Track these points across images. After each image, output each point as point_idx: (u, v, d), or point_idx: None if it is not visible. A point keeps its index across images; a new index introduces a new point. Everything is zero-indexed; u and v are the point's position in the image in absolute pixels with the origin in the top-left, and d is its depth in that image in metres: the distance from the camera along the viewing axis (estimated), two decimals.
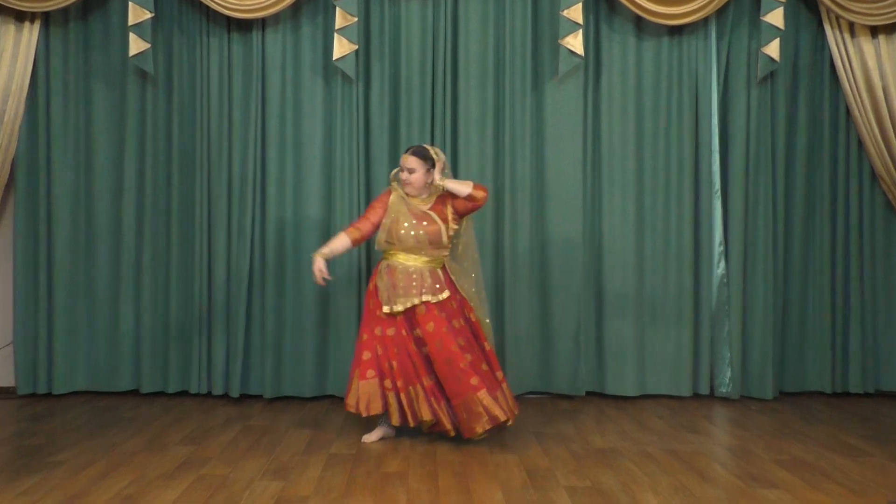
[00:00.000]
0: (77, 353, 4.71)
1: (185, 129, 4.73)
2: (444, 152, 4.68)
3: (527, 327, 4.71)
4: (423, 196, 3.84)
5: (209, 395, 4.71)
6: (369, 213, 3.82)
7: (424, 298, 3.68)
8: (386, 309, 3.69)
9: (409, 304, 3.68)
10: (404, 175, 3.80)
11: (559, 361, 4.73)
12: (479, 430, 3.60)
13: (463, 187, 3.71)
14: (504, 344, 4.65)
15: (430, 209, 3.79)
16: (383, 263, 3.81)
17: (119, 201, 4.74)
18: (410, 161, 3.78)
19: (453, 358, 3.60)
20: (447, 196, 3.82)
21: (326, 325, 4.69)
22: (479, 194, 3.71)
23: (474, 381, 3.59)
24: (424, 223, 3.74)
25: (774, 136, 4.77)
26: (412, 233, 3.73)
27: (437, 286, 3.73)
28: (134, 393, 4.76)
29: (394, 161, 4.69)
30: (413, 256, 3.75)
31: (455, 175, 4.69)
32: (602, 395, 4.79)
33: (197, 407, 4.48)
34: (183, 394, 4.75)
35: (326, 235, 4.67)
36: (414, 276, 3.71)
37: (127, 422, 4.12)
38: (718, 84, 4.76)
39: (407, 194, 3.82)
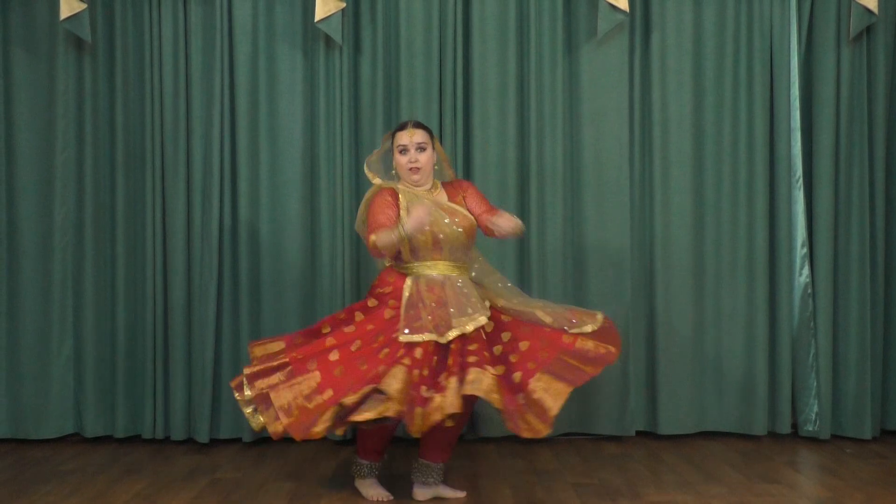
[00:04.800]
0: None
1: (132, 110, 4.73)
2: (457, 134, 4.71)
3: None
4: (427, 187, 3.74)
5: (167, 440, 4.71)
6: (385, 211, 3.59)
7: (481, 318, 3.53)
8: (435, 337, 3.47)
9: (473, 326, 3.50)
10: (408, 157, 3.64)
11: (603, 395, 4.71)
12: None
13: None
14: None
15: (450, 201, 3.72)
16: (409, 280, 3.62)
17: (49, 200, 4.72)
18: (419, 134, 3.67)
19: None
20: (455, 185, 3.82)
21: None
22: (505, 228, 3.58)
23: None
24: (456, 219, 3.64)
25: (872, 108, 4.73)
26: (453, 228, 3.62)
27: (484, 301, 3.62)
28: (73, 439, 4.77)
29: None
30: (450, 264, 3.63)
31: (469, 162, 4.71)
32: (655, 436, 4.77)
33: (152, 455, 4.48)
34: (134, 439, 4.75)
35: (310, 239, 4.69)
36: (464, 289, 3.60)
37: (63, 476, 4.11)
38: (799, 45, 4.72)
39: (413, 184, 3.67)
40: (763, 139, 4.74)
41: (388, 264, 3.75)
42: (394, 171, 3.76)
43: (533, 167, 4.69)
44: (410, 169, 3.65)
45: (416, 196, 3.65)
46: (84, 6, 4.48)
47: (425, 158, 3.66)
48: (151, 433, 4.68)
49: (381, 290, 3.68)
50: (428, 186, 3.74)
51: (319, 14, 4.48)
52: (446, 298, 3.53)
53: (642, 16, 4.77)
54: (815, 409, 4.70)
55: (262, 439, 4.68)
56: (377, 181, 3.73)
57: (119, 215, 4.72)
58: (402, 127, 3.73)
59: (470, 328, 3.48)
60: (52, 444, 4.69)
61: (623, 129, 4.72)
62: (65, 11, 4.46)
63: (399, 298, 3.59)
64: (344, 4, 4.50)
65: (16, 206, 4.74)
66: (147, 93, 4.68)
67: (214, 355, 4.65)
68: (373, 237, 3.53)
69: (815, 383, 4.71)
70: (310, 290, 4.70)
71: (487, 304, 3.63)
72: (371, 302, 3.68)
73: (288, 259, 4.70)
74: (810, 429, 4.71)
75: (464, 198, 3.77)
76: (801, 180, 4.74)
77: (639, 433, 4.78)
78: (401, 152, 3.67)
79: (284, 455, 4.47)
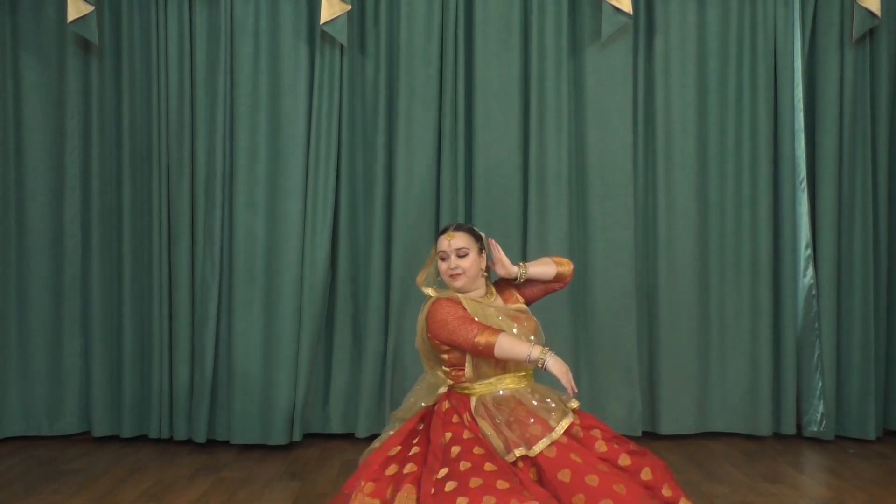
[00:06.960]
0: (8, 390, 4.76)
1: (139, 112, 4.76)
2: (458, 136, 4.71)
3: (566, 355, 4.65)
4: (481, 293, 3.31)
5: (171, 440, 4.74)
6: (471, 318, 3.13)
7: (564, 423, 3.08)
8: (519, 452, 2.99)
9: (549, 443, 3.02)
10: (449, 263, 3.22)
11: (609, 395, 4.73)
12: None
13: (546, 268, 3.32)
14: (535, 375, 4.62)
15: (506, 303, 3.32)
16: (473, 401, 3.15)
17: (58, 203, 4.78)
18: (459, 238, 3.23)
19: None
20: (507, 283, 3.37)
21: (300, 355, 4.69)
22: (568, 269, 3.34)
23: None
24: (525, 324, 3.24)
25: (875, 110, 4.75)
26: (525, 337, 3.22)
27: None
28: (80, 438, 4.81)
29: (392, 150, 4.70)
30: (515, 376, 3.19)
31: (471, 165, 4.72)
32: (658, 436, 4.78)
33: (157, 455, 4.51)
34: (141, 439, 4.78)
35: (306, 238, 4.68)
36: (536, 398, 3.18)
37: (70, 475, 4.14)
38: (803, 47, 4.74)
39: (457, 290, 3.24)
40: (767, 141, 4.75)
41: (444, 389, 3.28)
42: (439, 278, 3.35)
43: (536, 169, 4.70)
44: (451, 276, 3.24)
45: (479, 304, 3.23)
46: (91, 8, 4.52)
47: (467, 264, 3.22)
48: (157, 433, 4.71)
49: (453, 421, 3.15)
50: (482, 292, 3.31)
51: (325, 16, 4.50)
52: (520, 416, 3.09)
53: (646, 18, 4.79)
54: (821, 409, 4.71)
55: (254, 443, 4.67)
56: (430, 292, 3.28)
57: (126, 216, 4.75)
58: (442, 231, 3.34)
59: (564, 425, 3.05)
60: (60, 444, 4.73)
61: (627, 131, 4.73)
62: (72, 14, 4.50)
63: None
64: (349, 7, 4.52)
65: (25, 207, 4.79)
66: (154, 94, 4.70)
67: (214, 353, 4.67)
68: (486, 338, 3.04)
69: (819, 384, 4.72)
70: (302, 287, 4.67)
71: (573, 403, 3.15)
72: (445, 437, 3.09)
73: (283, 263, 4.68)
74: (815, 429, 4.73)
75: (516, 291, 3.38)
76: (804, 182, 4.75)
77: (642, 432, 4.79)
78: (441, 259, 3.27)
79: (289, 455, 4.50)
